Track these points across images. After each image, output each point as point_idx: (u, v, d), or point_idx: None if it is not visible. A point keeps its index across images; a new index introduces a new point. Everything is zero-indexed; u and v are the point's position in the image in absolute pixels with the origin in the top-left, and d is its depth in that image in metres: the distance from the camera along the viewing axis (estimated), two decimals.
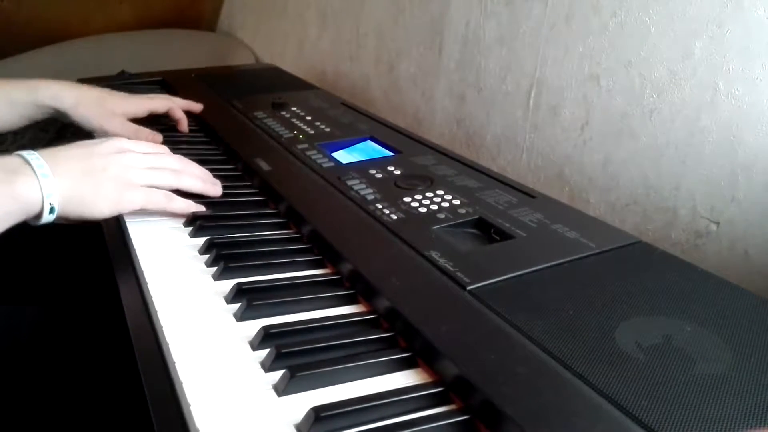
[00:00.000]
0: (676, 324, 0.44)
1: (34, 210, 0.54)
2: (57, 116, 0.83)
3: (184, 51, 1.87)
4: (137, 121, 0.86)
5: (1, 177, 0.52)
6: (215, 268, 0.54)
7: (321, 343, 0.44)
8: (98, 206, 0.58)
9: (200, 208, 0.64)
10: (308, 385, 0.40)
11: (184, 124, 0.91)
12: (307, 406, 0.37)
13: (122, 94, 0.87)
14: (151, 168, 0.62)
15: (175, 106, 0.91)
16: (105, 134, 0.82)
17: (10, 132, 1.39)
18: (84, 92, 0.83)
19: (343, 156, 0.79)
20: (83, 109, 0.81)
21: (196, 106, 0.95)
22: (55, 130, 1.45)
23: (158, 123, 0.90)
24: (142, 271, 0.54)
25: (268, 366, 0.42)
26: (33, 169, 0.54)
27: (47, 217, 0.55)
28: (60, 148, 0.58)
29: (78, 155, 0.58)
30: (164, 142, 0.85)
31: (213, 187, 0.67)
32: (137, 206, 0.60)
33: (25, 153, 0.55)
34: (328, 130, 0.87)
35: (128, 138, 0.79)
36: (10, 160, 0.54)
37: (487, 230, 0.58)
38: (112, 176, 0.58)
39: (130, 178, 0.60)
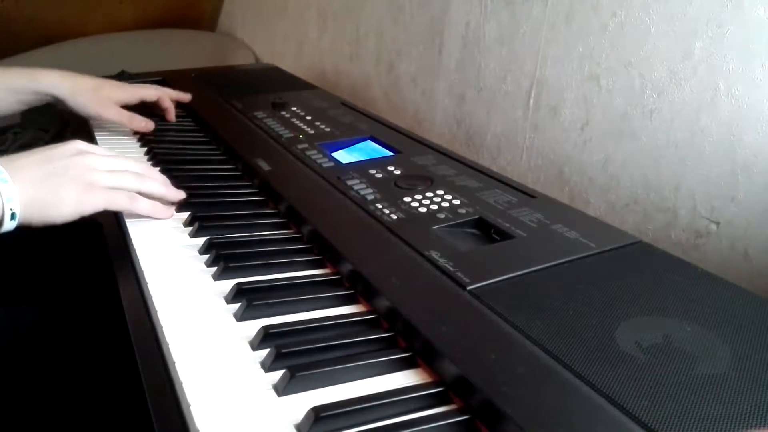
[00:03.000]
0: (676, 324, 0.44)
1: None
2: (54, 103, 0.86)
3: (184, 51, 1.87)
4: (131, 109, 0.90)
5: None
6: (215, 268, 0.54)
7: (321, 343, 0.44)
8: (60, 209, 0.57)
9: (169, 212, 0.63)
10: (308, 385, 0.40)
11: (171, 114, 0.95)
12: (307, 406, 0.37)
13: (116, 82, 0.92)
14: (112, 171, 0.61)
15: (164, 95, 0.95)
16: (101, 120, 0.87)
17: (10, 132, 1.39)
18: (80, 81, 0.86)
19: (343, 156, 0.79)
20: (80, 96, 0.84)
21: (185, 96, 0.98)
22: (56, 130, 1.45)
23: (153, 116, 0.93)
24: (142, 271, 0.54)
25: (268, 366, 0.42)
26: None
27: (9, 224, 0.53)
28: (19, 154, 0.57)
29: (37, 160, 0.57)
30: (164, 144, 0.85)
31: (176, 192, 0.66)
32: (99, 207, 0.59)
33: None
34: (328, 130, 0.87)
35: (123, 122, 0.86)
36: None
37: (487, 230, 0.58)
38: (72, 178, 0.57)
39: (92, 179, 0.59)
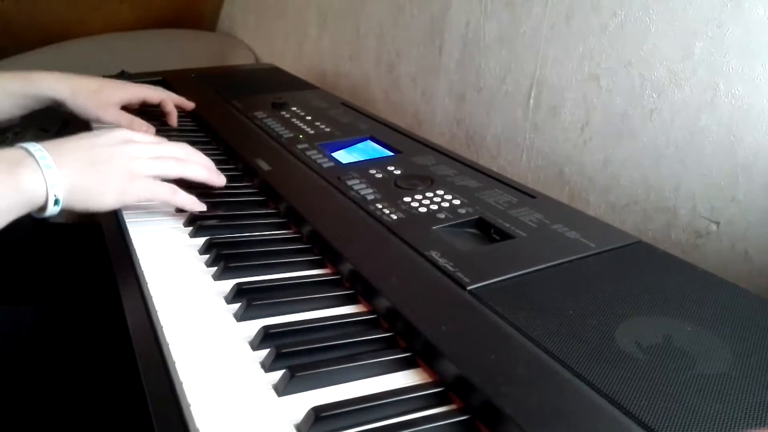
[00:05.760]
0: (676, 324, 0.44)
1: (38, 202, 0.53)
2: (54, 106, 0.84)
3: (184, 51, 1.87)
4: (133, 111, 0.89)
5: (4, 168, 0.52)
6: (215, 268, 0.54)
7: (321, 343, 0.44)
8: (104, 197, 0.57)
9: (203, 207, 0.64)
10: (308, 385, 0.40)
11: (173, 118, 0.94)
12: (307, 406, 0.37)
13: (118, 82, 0.90)
14: (155, 158, 0.61)
15: (168, 98, 0.93)
16: (100, 122, 0.85)
17: (10, 132, 1.39)
18: (80, 82, 0.85)
19: (343, 156, 0.79)
20: (80, 99, 0.83)
21: (188, 104, 0.97)
22: (56, 130, 1.45)
23: (154, 119, 0.92)
24: (142, 271, 0.54)
25: (268, 366, 0.42)
26: (36, 160, 0.53)
27: (52, 209, 0.54)
28: (64, 140, 0.58)
29: (82, 146, 0.58)
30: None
31: (217, 177, 0.67)
32: (142, 198, 0.60)
33: (28, 145, 0.54)
34: (328, 130, 0.87)
35: (123, 127, 0.82)
36: (13, 152, 0.54)
37: (487, 230, 0.58)
38: (116, 167, 0.58)
39: (135, 168, 0.59)
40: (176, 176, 0.63)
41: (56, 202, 0.54)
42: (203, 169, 0.66)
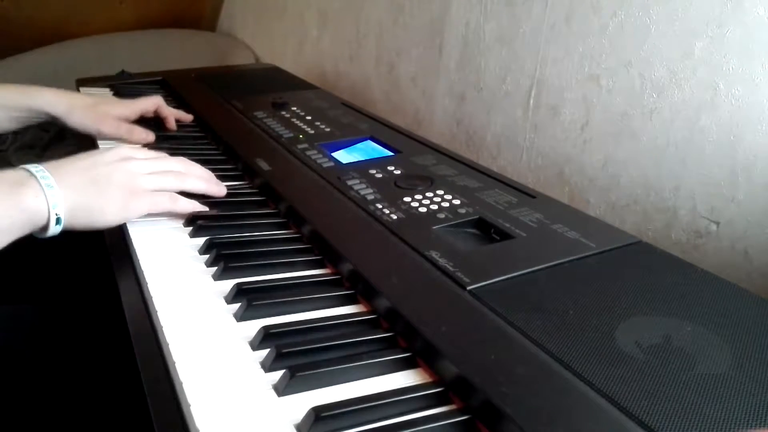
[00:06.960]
0: (676, 324, 0.44)
1: (40, 222, 0.54)
2: (51, 121, 0.85)
3: (184, 51, 1.87)
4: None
5: (6, 189, 0.52)
6: (215, 268, 0.54)
7: (321, 343, 0.44)
8: (105, 215, 0.58)
9: (205, 208, 0.64)
10: (308, 385, 0.40)
11: (171, 122, 0.93)
12: (307, 406, 0.37)
13: (113, 98, 0.91)
14: (155, 173, 0.62)
15: (163, 102, 0.93)
16: (101, 135, 0.85)
17: (10, 132, 1.39)
18: (77, 98, 0.85)
19: (343, 156, 0.79)
20: (77, 114, 0.83)
21: (186, 116, 0.96)
22: (56, 130, 1.45)
23: (154, 124, 0.91)
24: (142, 271, 0.54)
25: (268, 366, 0.42)
26: (38, 180, 0.54)
27: (54, 229, 0.54)
28: (64, 160, 0.58)
29: (82, 166, 0.58)
30: (165, 143, 0.85)
31: (217, 187, 0.67)
32: (143, 212, 0.60)
33: (29, 166, 0.55)
34: (328, 130, 0.87)
35: (123, 136, 0.83)
36: (15, 173, 0.54)
37: (487, 230, 0.58)
38: (117, 184, 0.59)
39: (135, 184, 0.60)
40: (176, 190, 0.63)
41: (58, 221, 0.54)
42: (202, 181, 0.66)
